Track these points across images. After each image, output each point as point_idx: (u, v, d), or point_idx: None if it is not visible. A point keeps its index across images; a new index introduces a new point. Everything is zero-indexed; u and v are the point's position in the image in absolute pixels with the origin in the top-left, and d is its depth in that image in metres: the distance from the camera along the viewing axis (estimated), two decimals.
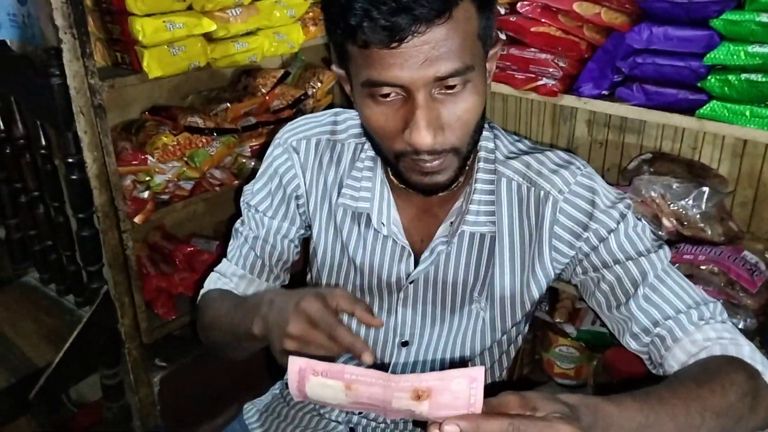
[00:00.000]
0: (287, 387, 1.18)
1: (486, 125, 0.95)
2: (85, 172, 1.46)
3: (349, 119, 1.04)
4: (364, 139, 1.00)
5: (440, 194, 0.91)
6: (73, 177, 1.47)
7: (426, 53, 0.74)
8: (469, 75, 0.78)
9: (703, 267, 1.44)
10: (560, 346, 1.88)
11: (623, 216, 0.90)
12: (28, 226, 1.74)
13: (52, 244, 1.69)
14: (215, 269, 1.13)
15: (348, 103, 2.04)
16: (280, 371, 1.25)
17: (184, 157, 1.62)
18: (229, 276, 1.09)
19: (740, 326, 1.41)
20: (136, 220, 1.56)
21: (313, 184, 1.03)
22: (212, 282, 1.11)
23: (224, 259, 1.12)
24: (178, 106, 1.77)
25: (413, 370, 1.04)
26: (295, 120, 1.08)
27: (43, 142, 1.55)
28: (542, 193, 0.92)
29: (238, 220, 1.13)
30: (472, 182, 0.94)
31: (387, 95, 0.79)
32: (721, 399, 0.73)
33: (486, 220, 0.94)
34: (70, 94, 1.38)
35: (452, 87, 0.78)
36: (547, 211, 0.92)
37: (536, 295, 0.98)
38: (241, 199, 1.11)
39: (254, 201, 1.08)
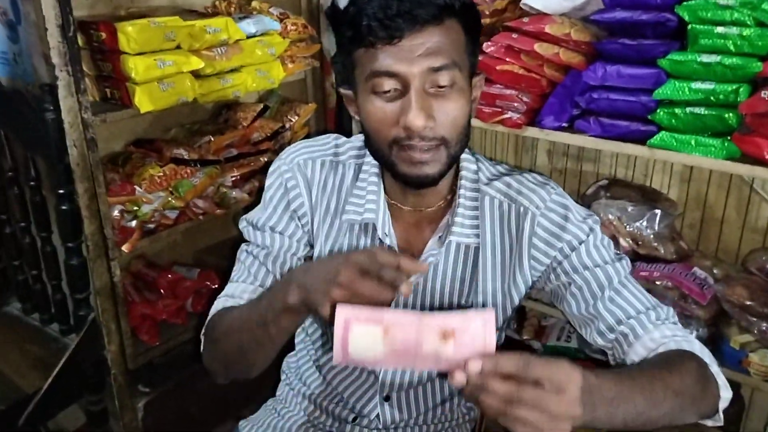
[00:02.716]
0: (281, 402, 1.25)
1: (469, 152, 1.08)
2: (75, 202, 1.51)
3: (347, 143, 1.14)
4: (363, 159, 1.09)
5: (429, 210, 1.03)
6: (64, 207, 1.52)
7: (421, 49, 0.89)
8: (456, 74, 0.92)
9: (658, 282, 1.57)
10: None
11: (592, 230, 1.02)
12: (11, 257, 1.77)
13: (36, 274, 1.72)
14: (221, 294, 1.12)
15: (323, 132, 2.14)
16: (273, 389, 1.32)
17: (169, 187, 1.69)
18: (238, 296, 1.08)
19: (693, 336, 1.54)
20: (124, 248, 1.62)
21: (318, 202, 1.10)
22: (220, 304, 1.10)
23: (229, 284, 1.12)
24: (162, 139, 1.84)
25: (402, 375, 1.11)
26: (297, 143, 1.15)
27: (33, 174, 1.59)
28: (522, 209, 1.04)
29: (243, 245, 1.14)
30: (456, 199, 1.05)
31: (387, 91, 0.92)
32: (679, 381, 0.84)
33: (471, 232, 1.04)
34: (64, 128, 1.44)
35: (442, 87, 0.91)
36: (526, 224, 1.03)
37: (517, 300, 1.09)
38: (242, 225, 1.14)
39: (262, 220, 1.11)
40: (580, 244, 1.01)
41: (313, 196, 1.10)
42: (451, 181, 1.06)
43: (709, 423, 0.94)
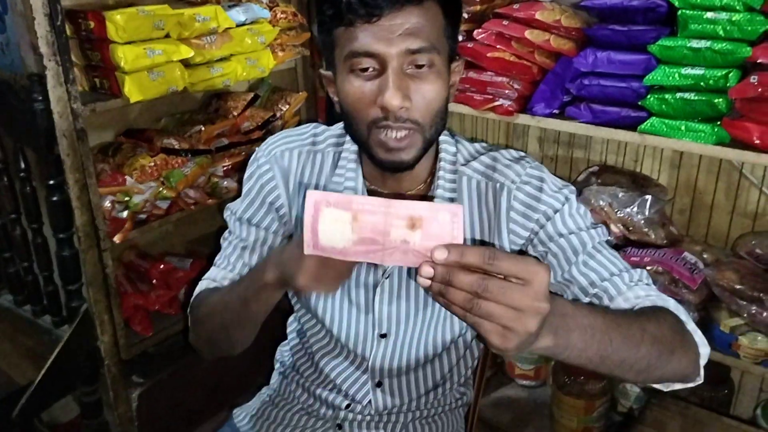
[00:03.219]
0: (274, 390, 1.26)
1: (448, 134, 1.08)
2: (66, 193, 1.50)
3: (327, 131, 1.14)
4: (342, 146, 1.10)
5: (409, 193, 1.04)
6: (54, 198, 1.51)
7: (400, 29, 0.89)
8: (435, 57, 0.92)
9: (648, 267, 1.58)
10: None
11: (567, 199, 1.02)
12: (1, 249, 1.76)
13: (28, 266, 1.71)
14: (204, 276, 1.16)
15: (314, 120, 2.13)
16: (266, 377, 1.33)
17: (160, 177, 1.68)
18: (219, 280, 1.13)
19: None
20: (116, 239, 1.61)
21: (296, 193, 1.11)
22: (203, 286, 1.15)
23: (213, 267, 1.16)
24: (153, 129, 1.83)
25: (392, 361, 1.12)
26: (277, 134, 1.15)
27: (23, 166, 1.58)
28: (498, 185, 1.04)
29: (225, 232, 1.17)
30: (435, 181, 1.05)
31: (365, 69, 0.91)
32: (657, 328, 0.85)
33: None
34: (53, 118, 1.43)
35: (420, 67, 0.91)
36: (503, 200, 1.03)
37: None
38: (226, 213, 1.17)
39: (240, 211, 1.14)
40: (555, 212, 1.01)
41: (291, 187, 1.11)
42: (430, 163, 1.06)
43: (691, 385, 0.93)
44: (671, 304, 0.94)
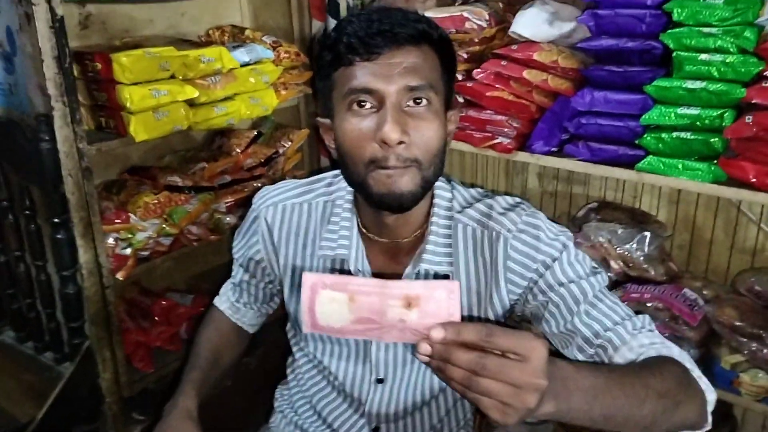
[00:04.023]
0: (274, 430, 1.26)
1: (444, 179, 1.09)
2: (71, 231, 1.52)
3: (318, 181, 1.16)
4: (333, 194, 1.11)
5: (404, 240, 1.05)
6: (59, 236, 1.52)
7: (399, 67, 0.91)
8: (433, 96, 0.94)
9: (649, 304, 1.59)
10: None
11: (565, 246, 1.02)
12: (5, 286, 1.77)
13: (31, 302, 1.72)
14: (229, 281, 1.32)
15: (317, 157, 2.16)
16: (266, 417, 1.33)
17: (164, 214, 1.70)
18: (232, 295, 1.31)
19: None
20: (119, 276, 1.62)
21: (281, 245, 1.14)
22: (224, 295, 1.32)
23: (231, 277, 1.31)
24: (157, 166, 1.85)
25: (389, 406, 1.12)
26: (271, 186, 1.19)
27: (28, 203, 1.60)
28: (494, 233, 1.04)
29: None
30: (429, 227, 1.05)
31: (364, 104, 0.93)
32: (661, 382, 0.84)
33: (443, 260, 1.04)
34: (60, 157, 1.45)
35: (419, 103, 0.93)
36: (499, 249, 1.03)
37: None
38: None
39: (234, 251, 1.25)
40: (554, 261, 1.00)
41: (275, 240, 1.14)
42: (426, 211, 1.06)
43: None
44: (675, 352, 0.93)
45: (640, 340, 0.94)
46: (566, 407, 0.73)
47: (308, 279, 0.74)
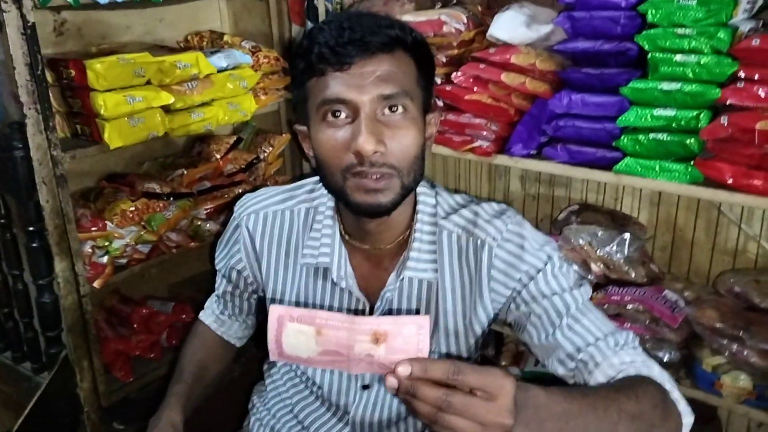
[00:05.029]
0: (253, 424, 1.24)
1: (428, 185, 1.07)
2: (46, 239, 1.50)
3: (300, 188, 1.15)
4: (315, 201, 1.10)
5: (387, 247, 1.03)
6: (34, 245, 1.51)
7: (371, 76, 0.90)
8: (408, 103, 0.92)
9: (629, 306, 1.58)
10: None
11: (550, 257, 1.01)
12: None
13: (8, 312, 1.70)
14: (214, 294, 1.28)
15: (299, 162, 2.15)
16: (239, 421, 1.31)
17: (141, 221, 1.68)
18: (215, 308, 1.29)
19: (665, 359, 1.55)
20: (96, 284, 1.61)
21: (264, 253, 1.13)
22: (210, 305, 1.29)
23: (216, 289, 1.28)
24: (135, 173, 1.84)
25: (373, 413, 1.11)
26: (252, 194, 1.18)
27: (3, 212, 1.59)
28: (479, 241, 1.03)
29: None
30: (413, 234, 1.04)
31: (338, 114, 0.91)
32: (635, 404, 0.83)
33: (428, 267, 1.03)
34: (33, 165, 1.44)
35: (394, 110, 0.91)
36: (484, 256, 1.02)
37: (479, 331, 1.07)
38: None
39: (216, 262, 1.22)
40: (538, 272, 1.00)
41: (257, 248, 1.13)
42: (409, 216, 1.05)
43: None
44: (656, 371, 0.92)
45: (622, 357, 0.93)
46: None
47: (275, 311, 0.74)
